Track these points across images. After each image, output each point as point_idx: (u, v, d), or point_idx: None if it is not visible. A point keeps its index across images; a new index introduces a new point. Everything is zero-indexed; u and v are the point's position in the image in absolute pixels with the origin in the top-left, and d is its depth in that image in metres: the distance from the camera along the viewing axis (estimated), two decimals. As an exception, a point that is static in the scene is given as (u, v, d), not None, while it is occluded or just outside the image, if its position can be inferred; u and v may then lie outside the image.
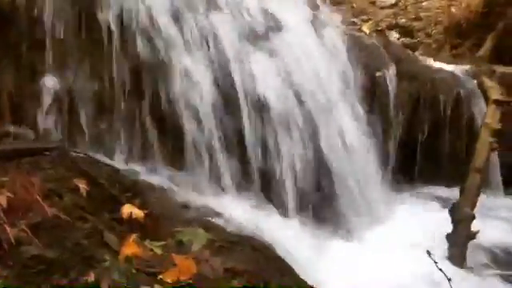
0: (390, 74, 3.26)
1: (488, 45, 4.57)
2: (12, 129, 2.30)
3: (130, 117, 2.54)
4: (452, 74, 3.48)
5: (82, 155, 2.22)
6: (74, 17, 2.48)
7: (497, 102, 3.04)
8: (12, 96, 2.39)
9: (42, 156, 2.06)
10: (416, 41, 4.88)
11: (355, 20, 4.10)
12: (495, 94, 3.12)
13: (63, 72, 2.47)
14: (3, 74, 2.41)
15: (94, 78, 2.49)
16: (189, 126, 2.55)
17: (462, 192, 2.63)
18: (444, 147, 3.33)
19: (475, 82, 3.34)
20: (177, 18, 2.65)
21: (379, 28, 4.94)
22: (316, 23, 3.17)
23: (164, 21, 2.61)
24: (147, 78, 2.55)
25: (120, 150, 2.51)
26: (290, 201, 2.63)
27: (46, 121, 2.39)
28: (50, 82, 2.44)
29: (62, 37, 2.46)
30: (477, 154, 2.75)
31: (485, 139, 2.84)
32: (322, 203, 2.77)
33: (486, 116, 2.98)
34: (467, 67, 3.55)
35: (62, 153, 2.13)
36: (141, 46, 2.52)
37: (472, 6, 5.21)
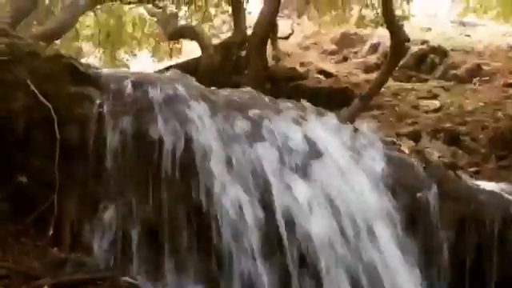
0: (432, 194, 3.28)
1: (535, 157, 4.52)
2: (70, 255, 2.50)
3: (180, 243, 2.71)
4: (497, 193, 3.45)
5: (130, 283, 2.37)
6: (134, 152, 2.77)
7: (544, 228, 2.97)
8: (73, 224, 2.64)
9: (94, 286, 2.23)
10: (460, 152, 4.91)
11: (395, 139, 4.23)
12: (542, 218, 3.06)
13: (120, 201, 2.71)
14: (67, 203, 2.68)
15: (148, 207, 2.71)
16: (232, 252, 2.68)
17: (513, 327, 2.52)
18: (494, 271, 3.22)
19: (521, 203, 3.29)
20: (224, 149, 2.91)
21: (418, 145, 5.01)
22: (355, 146, 3.31)
23: (213, 152, 2.86)
24: (195, 206, 2.75)
25: (168, 274, 2.65)
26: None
27: (102, 248, 2.59)
28: (108, 210, 2.67)
29: (121, 169, 2.74)
30: (527, 285, 2.65)
31: (535, 268, 2.75)
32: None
33: (534, 242, 2.90)
34: (512, 186, 3.52)
35: (113, 282, 2.29)
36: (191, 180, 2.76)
37: (516, 115, 5.25)
